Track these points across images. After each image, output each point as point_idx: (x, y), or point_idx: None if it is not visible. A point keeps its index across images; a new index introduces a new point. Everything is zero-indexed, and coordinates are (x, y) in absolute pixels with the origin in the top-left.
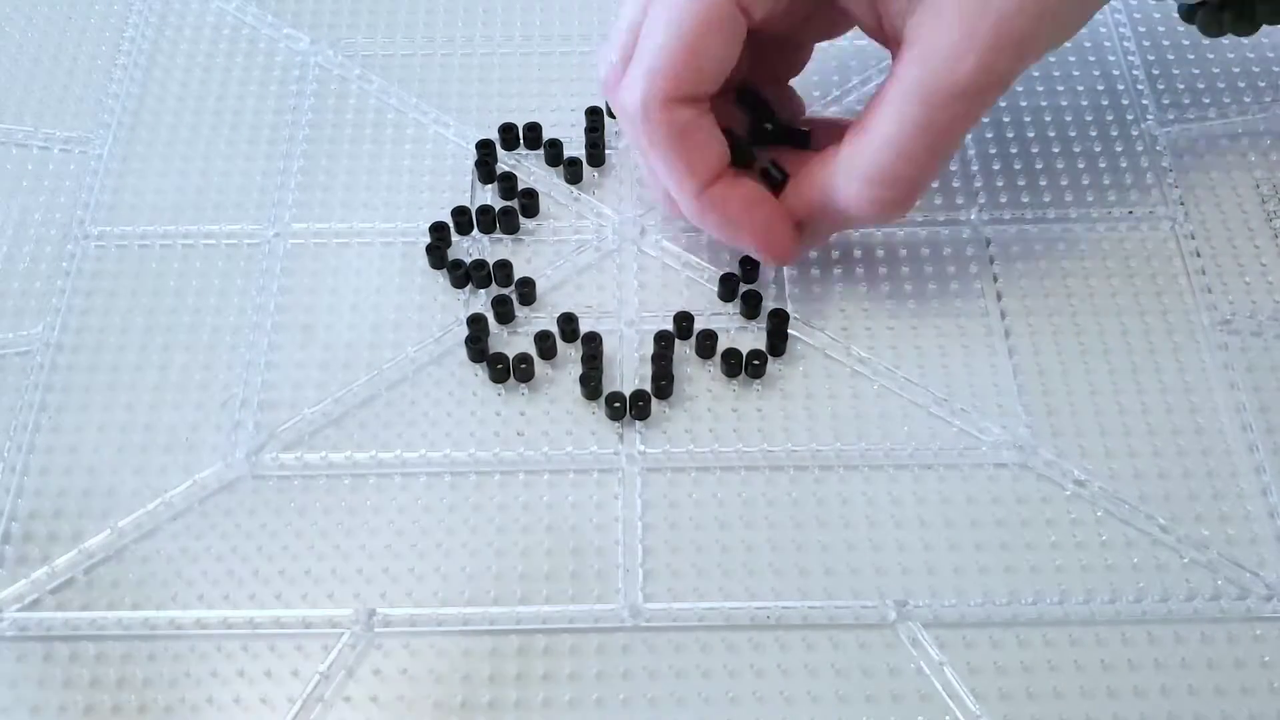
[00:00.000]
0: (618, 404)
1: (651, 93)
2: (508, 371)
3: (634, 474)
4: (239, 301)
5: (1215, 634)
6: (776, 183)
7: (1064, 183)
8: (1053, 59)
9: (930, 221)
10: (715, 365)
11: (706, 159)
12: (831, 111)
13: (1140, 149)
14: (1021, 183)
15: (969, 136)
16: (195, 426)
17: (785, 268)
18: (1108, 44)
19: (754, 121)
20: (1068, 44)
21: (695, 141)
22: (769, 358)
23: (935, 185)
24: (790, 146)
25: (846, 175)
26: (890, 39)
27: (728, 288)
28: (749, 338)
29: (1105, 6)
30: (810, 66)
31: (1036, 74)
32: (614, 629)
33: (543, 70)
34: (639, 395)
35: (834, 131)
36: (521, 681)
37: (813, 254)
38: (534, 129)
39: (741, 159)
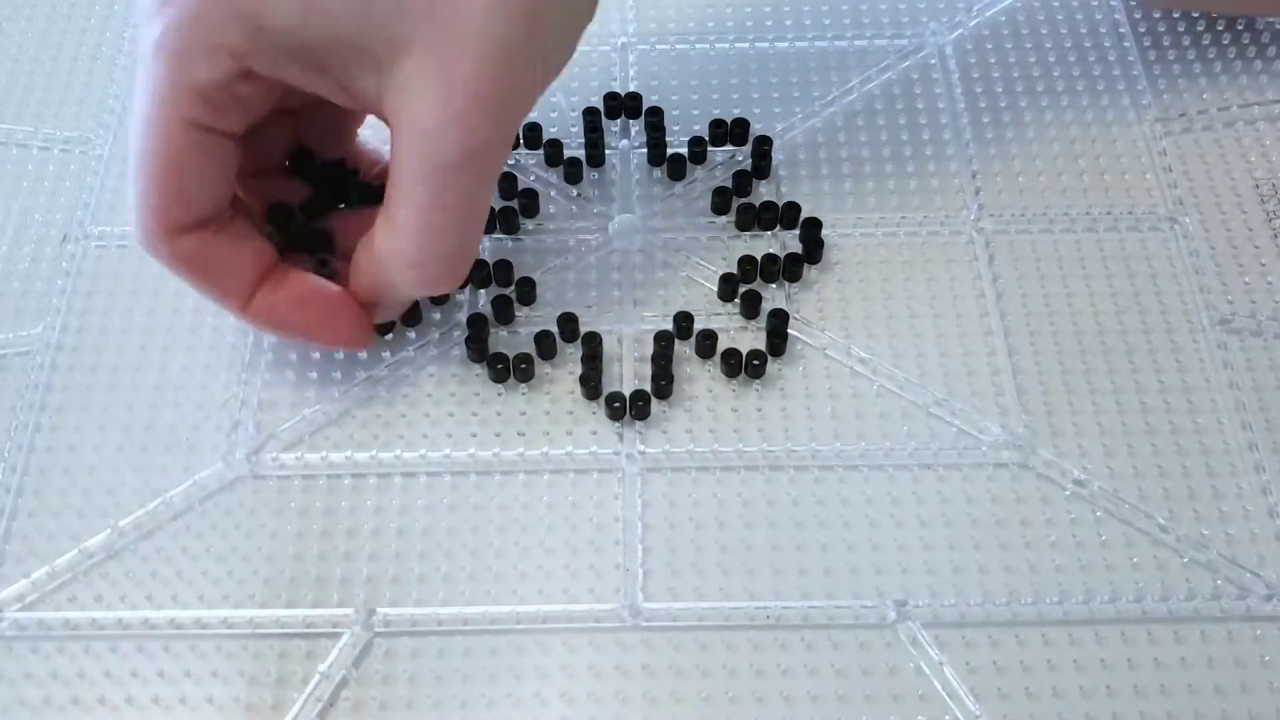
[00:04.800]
0: (618, 404)
1: (146, 230)
2: (508, 371)
3: (634, 474)
4: None
5: (1215, 633)
6: (331, 273)
7: (1064, 182)
8: (1053, 59)
9: (930, 221)
10: (715, 365)
11: (236, 277)
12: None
13: (1140, 149)
14: (1021, 183)
15: (969, 135)
16: (195, 426)
17: (791, 283)
18: (1108, 44)
19: (317, 190)
20: (1049, 44)
21: (216, 265)
22: (769, 358)
23: (935, 185)
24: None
25: (389, 264)
26: (380, 116)
27: (728, 288)
28: (749, 338)
29: (1105, 7)
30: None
31: (1037, 74)
32: (613, 628)
33: None
34: (639, 395)
35: None
36: (521, 681)
37: (813, 255)
38: (534, 129)
39: (296, 241)
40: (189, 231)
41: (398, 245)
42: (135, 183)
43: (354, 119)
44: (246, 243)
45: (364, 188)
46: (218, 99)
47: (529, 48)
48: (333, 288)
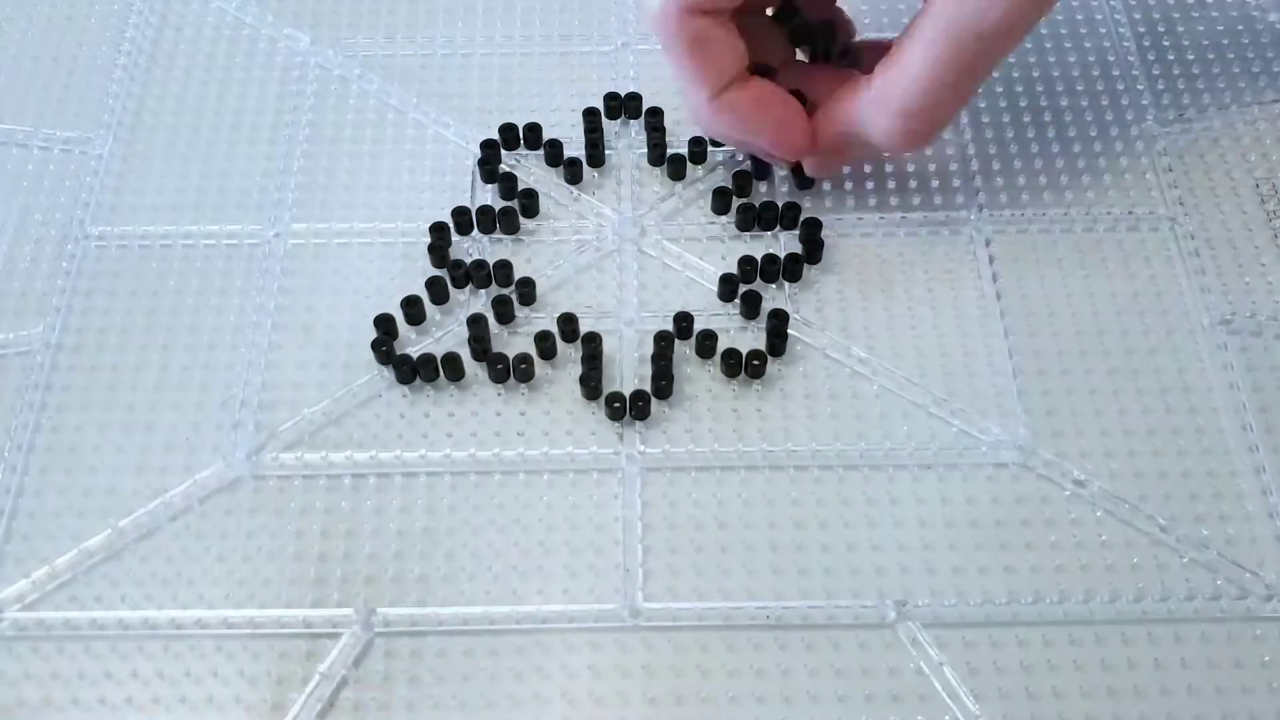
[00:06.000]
0: (618, 404)
1: (668, 3)
2: (508, 371)
3: (634, 474)
4: (239, 301)
5: (1215, 634)
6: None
7: (1064, 182)
8: (1053, 59)
9: (930, 221)
10: (715, 365)
11: (720, 67)
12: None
13: (1140, 149)
14: (1021, 183)
15: (969, 136)
16: (195, 426)
17: (791, 283)
18: (1107, 44)
19: (794, 43)
20: (1049, 44)
21: (710, 50)
22: (769, 358)
23: (935, 185)
24: (844, 66)
25: (877, 107)
26: None
27: (728, 288)
28: (749, 338)
29: (1105, 7)
30: None
31: (1037, 74)
32: (614, 629)
33: (543, 70)
34: (639, 395)
35: (877, 52)
36: (521, 681)
37: (813, 255)
38: (534, 129)
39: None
40: (703, 15)
41: (898, 93)
42: None
43: None
44: (736, 40)
45: (844, 50)
46: None
47: None
48: (790, 97)
